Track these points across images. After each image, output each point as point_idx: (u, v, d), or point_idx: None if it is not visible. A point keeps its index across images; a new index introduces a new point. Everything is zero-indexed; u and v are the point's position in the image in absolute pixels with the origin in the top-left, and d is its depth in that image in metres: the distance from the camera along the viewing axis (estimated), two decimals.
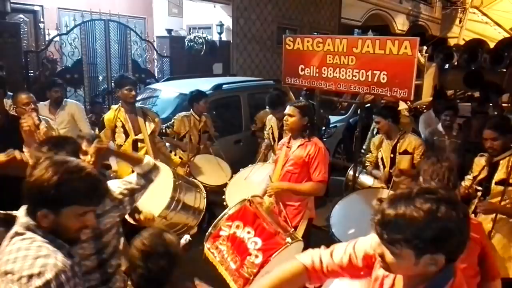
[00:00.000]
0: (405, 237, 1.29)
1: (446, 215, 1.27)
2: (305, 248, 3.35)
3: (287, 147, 3.74)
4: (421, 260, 1.32)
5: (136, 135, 4.23)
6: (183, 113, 5.18)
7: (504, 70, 7.05)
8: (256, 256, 2.98)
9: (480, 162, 3.47)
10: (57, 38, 7.95)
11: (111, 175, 4.08)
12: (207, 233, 3.25)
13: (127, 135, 4.22)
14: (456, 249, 1.33)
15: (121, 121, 4.22)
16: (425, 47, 11.74)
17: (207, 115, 5.37)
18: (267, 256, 2.95)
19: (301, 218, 3.70)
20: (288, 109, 3.69)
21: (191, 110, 5.15)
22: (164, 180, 3.52)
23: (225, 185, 4.45)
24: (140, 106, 4.61)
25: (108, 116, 4.30)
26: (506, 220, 3.25)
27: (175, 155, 5.14)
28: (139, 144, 4.25)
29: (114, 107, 4.40)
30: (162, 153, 4.63)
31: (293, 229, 3.47)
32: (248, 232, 3.12)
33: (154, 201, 3.40)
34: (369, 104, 7.66)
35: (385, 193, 3.92)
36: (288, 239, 3.09)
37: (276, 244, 3.05)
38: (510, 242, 3.27)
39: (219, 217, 3.31)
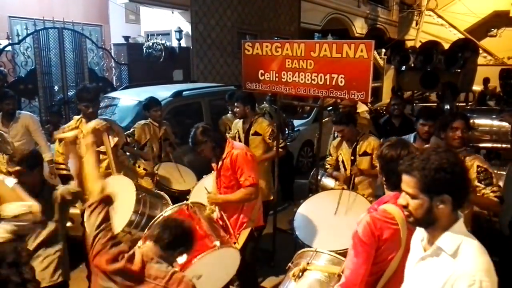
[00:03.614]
0: None
1: None
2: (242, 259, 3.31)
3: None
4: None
5: (98, 147, 4.12)
6: (143, 121, 5.12)
7: (459, 70, 7.25)
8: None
9: None
10: (9, 48, 7.64)
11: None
12: (143, 236, 3.09)
13: None
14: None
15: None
16: (383, 50, 11.98)
17: (167, 122, 5.33)
18: (191, 258, 2.83)
19: (242, 230, 3.70)
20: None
21: (149, 118, 5.12)
22: (127, 194, 3.43)
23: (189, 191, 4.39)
24: (104, 118, 4.49)
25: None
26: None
27: (138, 167, 5.03)
28: (101, 156, 4.11)
29: (76, 117, 4.32)
30: (125, 166, 4.56)
31: (228, 236, 3.42)
32: None
33: (116, 216, 3.30)
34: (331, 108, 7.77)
35: (346, 194, 3.94)
36: (217, 243, 3.01)
37: (203, 246, 2.97)
38: None
39: (155, 218, 3.23)
